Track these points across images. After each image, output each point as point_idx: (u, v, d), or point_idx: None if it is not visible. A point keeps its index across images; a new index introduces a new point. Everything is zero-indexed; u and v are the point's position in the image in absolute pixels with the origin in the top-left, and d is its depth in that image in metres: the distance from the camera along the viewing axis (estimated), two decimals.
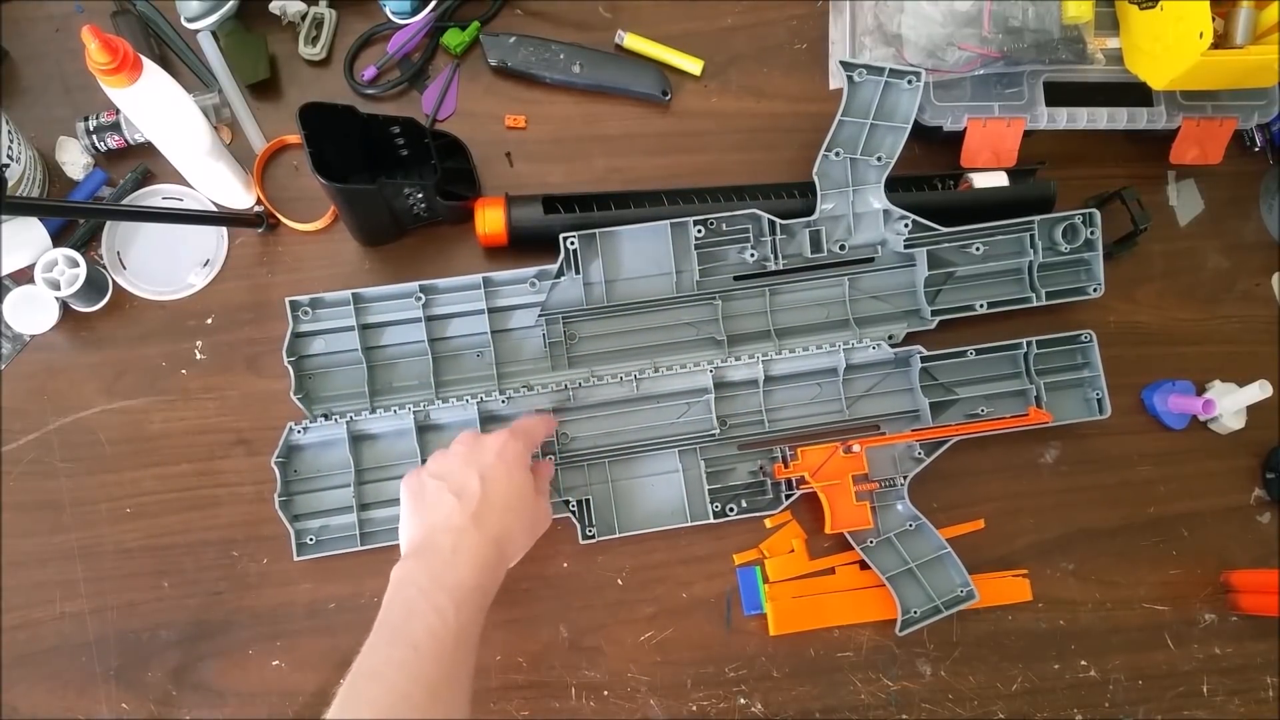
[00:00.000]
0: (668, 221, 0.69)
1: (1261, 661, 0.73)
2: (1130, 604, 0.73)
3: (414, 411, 0.67)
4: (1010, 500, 0.73)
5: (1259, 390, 0.72)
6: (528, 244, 0.71)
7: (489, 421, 0.69)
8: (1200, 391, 0.76)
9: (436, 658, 0.50)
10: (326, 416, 0.68)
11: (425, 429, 0.68)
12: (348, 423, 0.67)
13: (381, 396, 0.69)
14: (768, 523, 0.71)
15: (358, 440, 0.68)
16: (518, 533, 0.59)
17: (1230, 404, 0.74)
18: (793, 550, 0.70)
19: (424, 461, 0.67)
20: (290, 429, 0.67)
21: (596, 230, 0.69)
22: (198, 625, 0.67)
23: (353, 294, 0.68)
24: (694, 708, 0.68)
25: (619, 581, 0.70)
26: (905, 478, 0.70)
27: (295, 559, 0.66)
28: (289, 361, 0.67)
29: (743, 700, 0.69)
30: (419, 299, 0.68)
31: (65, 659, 0.66)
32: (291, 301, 0.67)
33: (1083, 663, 0.72)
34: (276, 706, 0.66)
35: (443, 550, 0.54)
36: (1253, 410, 0.75)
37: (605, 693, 0.68)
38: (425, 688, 0.49)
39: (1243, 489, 0.76)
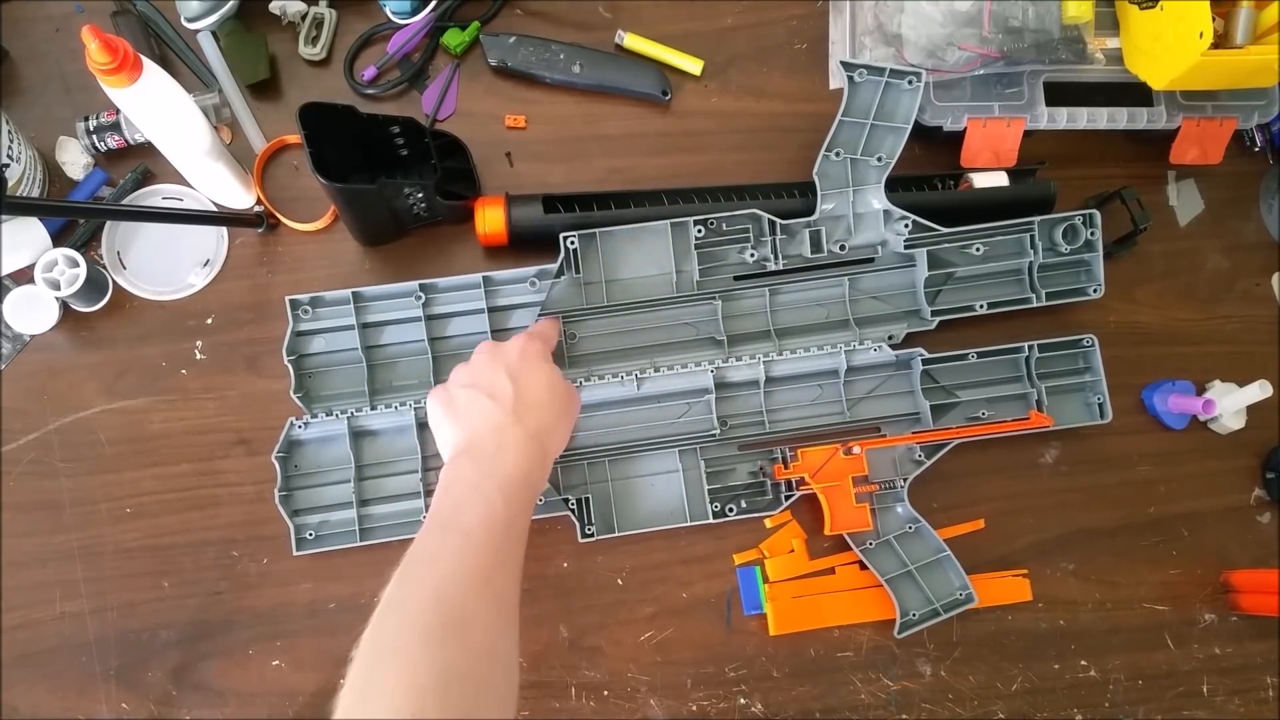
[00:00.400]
0: (667, 221, 0.69)
1: (1261, 661, 0.73)
2: (1130, 604, 0.73)
3: (415, 408, 0.67)
4: (1010, 500, 0.73)
5: (1259, 390, 0.72)
6: (528, 243, 0.71)
7: None
8: (1200, 391, 0.76)
9: (488, 544, 0.51)
10: (327, 414, 0.68)
11: (425, 425, 0.68)
12: (348, 418, 0.67)
13: (381, 395, 0.69)
14: (768, 523, 0.71)
15: (358, 436, 0.68)
16: (555, 424, 0.59)
17: (1230, 404, 0.74)
18: (793, 550, 0.70)
19: (424, 458, 0.68)
20: (291, 423, 0.67)
21: (596, 230, 0.69)
22: (198, 625, 0.67)
23: (353, 293, 0.68)
24: (694, 708, 0.68)
25: (619, 581, 0.70)
26: (905, 480, 0.70)
27: (295, 554, 0.66)
28: (289, 360, 0.67)
29: (743, 700, 0.69)
30: (419, 298, 0.68)
31: (65, 659, 0.66)
32: (291, 300, 0.67)
33: (1083, 663, 0.72)
34: (276, 706, 0.66)
35: (487, 447, 0.55)
36: (1253, 410, 0.75)
37: (605, 693, 0.68)
38: (478, 571, 0.49)
39: (1243, 489, 0.76)
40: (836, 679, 0.69)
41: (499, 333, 0.70)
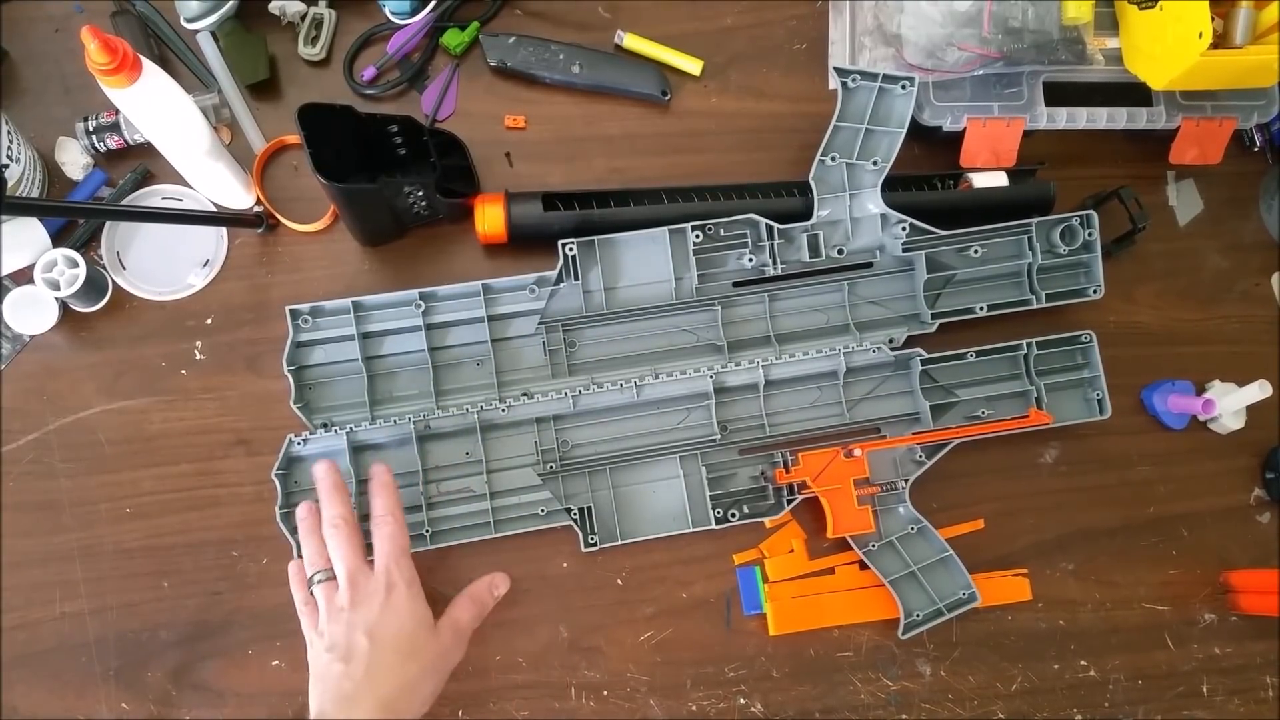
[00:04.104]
0: (666, 228, 0.69)
1: (1261, 661, 0.73)
2: (1130, 604, 0.73)
3: (414, 421, 0.67)
4: (1010, 500, 0.73)
5: (1259, 390, 0.72)
6: (527, 241, 0.71)
7: (489, 431, 0.68)
8: (1200, 391, 0.76)
9: None
10: (326, 426, 0.67)
11: (425, 438, 0.68)
12: (348, 433, 0.67)
13: (382, 406, 0.69)
14: (767, 523, 0.71)
15: (358, 451, 0.68)
16: (416, 683, 0.58)
17: (1230, 404, 0.74)
18: (792, 550, 0.70)
19: (424, 470, 0.68)
20: (290, 441, 0.66)
21: (595, 237, 0.68)
22: (197, 625, 0.67)
23: (353, 302, 0.67)
24: (694, 708, 0.68)
25: (619, 582, 0.70)
26: (906, 481, 0.70)
27: None
28: (289, 371, 0.67)
29: (742, 700, 0.69)
30: (419, 306, 0.68)
31: (65, 659, 0.66)
32: (292, 310, 0.67)
33: (1082, 663, 0.72)
34: (276, 707, 0.66)
35: None
36: (1252, 410, 0.75)
37: (605, 693, 0.68)
38: None
39: (1242, 489, 0.76)
40: (836, 679, 0.69)
41: (499, 341, 0.69)
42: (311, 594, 0.61)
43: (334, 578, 0.59)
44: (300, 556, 0.64)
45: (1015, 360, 0.72)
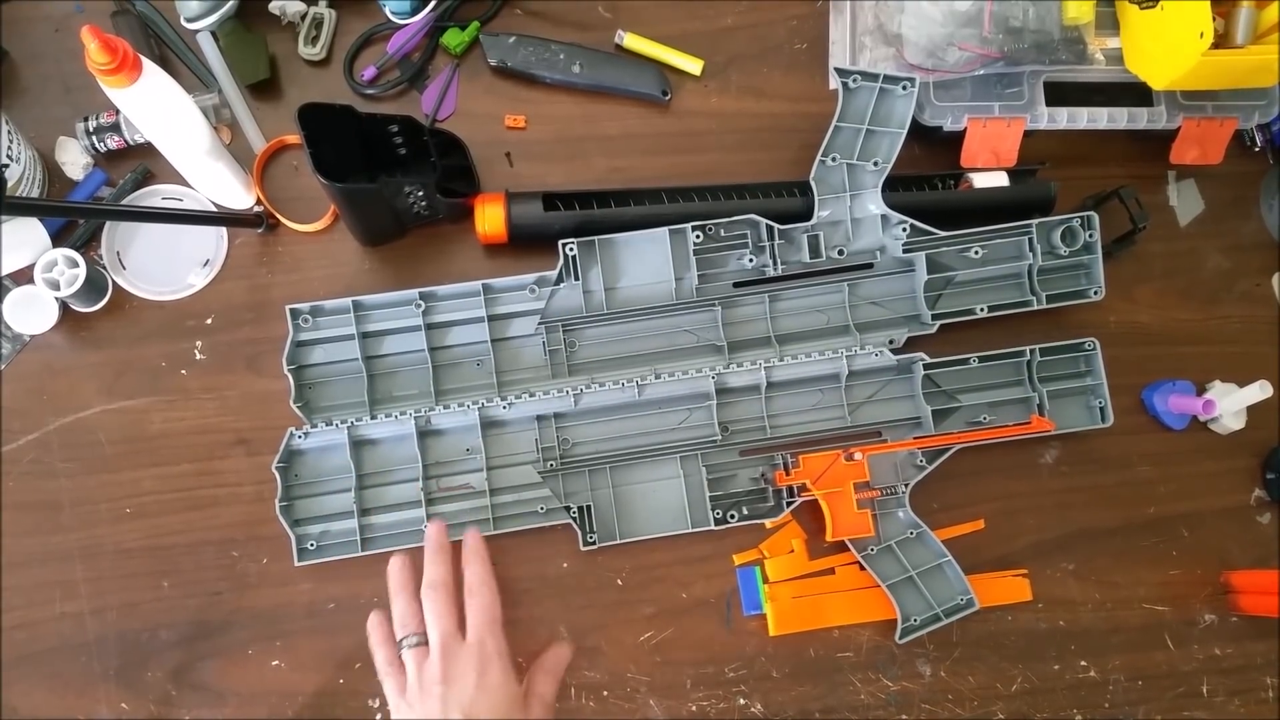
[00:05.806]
0: (666, 229, 0.69)
1: (1261, 662, 0.73)
2: (1130, 604, 0.73)
3: (415, 417, 0.67)
4: (1010, 500, 0.73)
5: (1259, 390, 0.72)
6: (527, 241, 0.71)
7: (490, 427, 0.69)
8: (1200, 392, 0.76)
9: None
10: (327, 423, 0.67)
11: (426, 434, 0.68)
12: (349, 428, 0.67)
13: (381, 406, 0.69)
14: (767, 523, 0.71)
15: (359, 445, 0.68)
16: None
17: (1230, 404, 0.74)
18: (792, 550, 0.70)
19: (425, 466, 0.68)
20: (291, 434, 0.67)
21: (595, 238, 0.68)
22: (198, 625, 0.67)
23: (353, 301, 0.67)
24: (694, 708, 0.68)
25: (619, 582, 0.70)
26: (907, 485, 0.70)
27: (296, 564, 0.66)
28: (289, 370, 0.67)
29: (742, 700, 0.69)
30: (419, 306, 0.68)
31: (65, 659, 0.66)
32: (292, 309, 0.67)
33: (1082, 663, 0.72)
34: (276, 707, 0.66)
35: None
36: (1253, 410, 0.75)
37: (605, 693, 0.68)
38: None
39: (1243, 489, 0.76)
40: (836, 679, 0.69)
41: (499, 341, 0.70)
42: (399, 656, 0.58)
43: (425, 643, 0.58)
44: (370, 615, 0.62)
45: (1018, 366, 0.72)
